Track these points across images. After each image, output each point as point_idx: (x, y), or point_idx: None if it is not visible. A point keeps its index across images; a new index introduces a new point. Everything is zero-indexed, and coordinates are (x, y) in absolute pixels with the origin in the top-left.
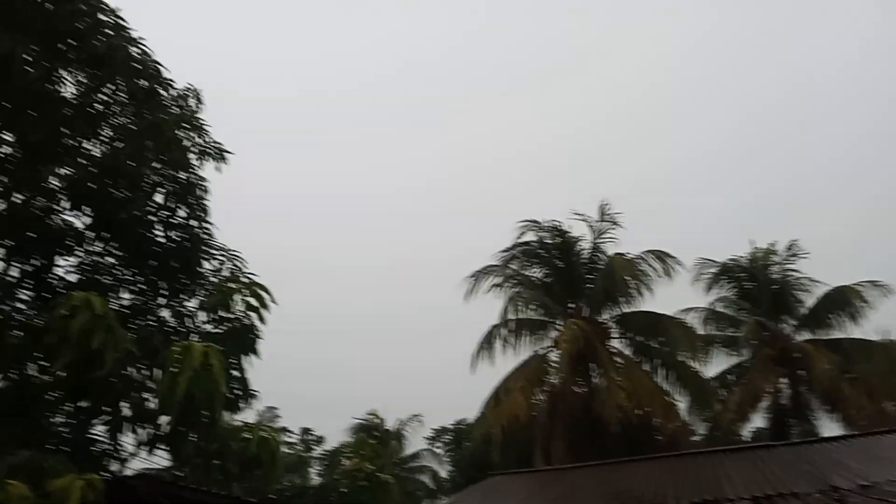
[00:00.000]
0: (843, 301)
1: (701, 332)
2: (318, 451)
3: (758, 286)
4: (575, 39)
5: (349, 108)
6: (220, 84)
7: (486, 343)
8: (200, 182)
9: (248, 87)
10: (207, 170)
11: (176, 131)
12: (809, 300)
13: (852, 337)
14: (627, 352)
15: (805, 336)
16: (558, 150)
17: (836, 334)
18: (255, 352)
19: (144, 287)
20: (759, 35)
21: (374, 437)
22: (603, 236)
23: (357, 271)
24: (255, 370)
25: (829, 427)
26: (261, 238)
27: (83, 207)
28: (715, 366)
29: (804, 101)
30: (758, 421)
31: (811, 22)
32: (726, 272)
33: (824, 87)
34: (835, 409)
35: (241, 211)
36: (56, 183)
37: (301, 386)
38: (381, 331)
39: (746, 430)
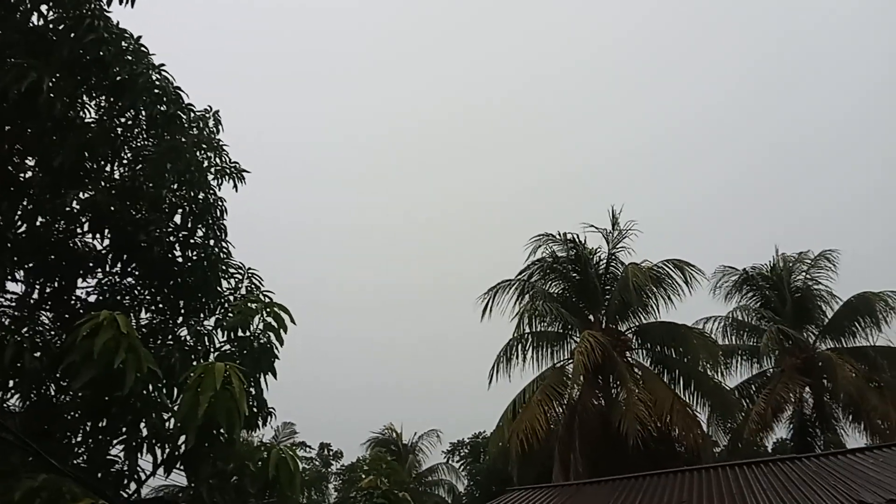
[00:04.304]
0: (867, 308)
1: (722, 341)
2: (336, 466)
3: (779, 294)
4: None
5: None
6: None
7: (504, 357)
8: (218, 202)
9: None
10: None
11: (195, 152)
12: (832, 308)
13: (877, 345)
14: (647, 363)
15: (829, 345)
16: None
17: (861, 342)
18: (272, 371)
19: (163, 307)
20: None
21: (391, 451)
22: (618, 246)
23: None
24: (275, 389)
25: (855, 437)
26: (283, 261)
27: (103, 229)
28: (737, 376)
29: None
30: (781, 431)
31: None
32: (748, 281)
33: None
34: (860, 419)
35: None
36: (77, 206)
37: (321, 405)
38: (402, 352)
39: (769, 442)
